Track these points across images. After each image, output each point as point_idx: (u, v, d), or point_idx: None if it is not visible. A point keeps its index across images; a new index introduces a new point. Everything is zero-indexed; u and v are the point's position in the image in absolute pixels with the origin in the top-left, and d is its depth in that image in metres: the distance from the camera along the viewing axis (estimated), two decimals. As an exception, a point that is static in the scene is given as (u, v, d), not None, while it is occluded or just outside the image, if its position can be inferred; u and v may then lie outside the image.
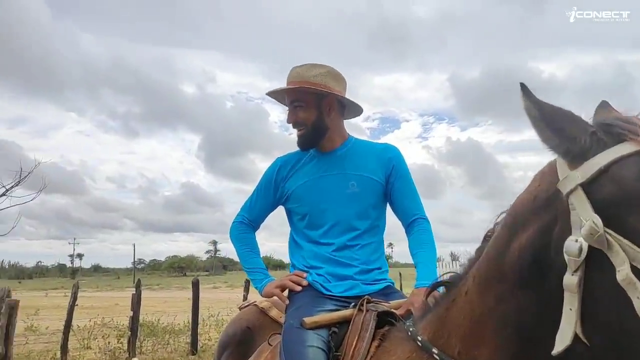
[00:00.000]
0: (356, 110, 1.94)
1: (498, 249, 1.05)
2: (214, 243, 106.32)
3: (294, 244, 1.92)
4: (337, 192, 1.79)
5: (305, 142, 1.83)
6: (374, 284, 1.77)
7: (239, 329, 1.97)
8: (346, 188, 1.79)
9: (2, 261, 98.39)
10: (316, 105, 1.79)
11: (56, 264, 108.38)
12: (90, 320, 10.31)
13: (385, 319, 1.50)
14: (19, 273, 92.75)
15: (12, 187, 5.70)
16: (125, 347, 7.74)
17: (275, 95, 1.90)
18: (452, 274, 1.29)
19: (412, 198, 1.85)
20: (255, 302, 2.09)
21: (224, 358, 1.96)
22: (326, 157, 1.85)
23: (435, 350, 1.16)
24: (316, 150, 1.87)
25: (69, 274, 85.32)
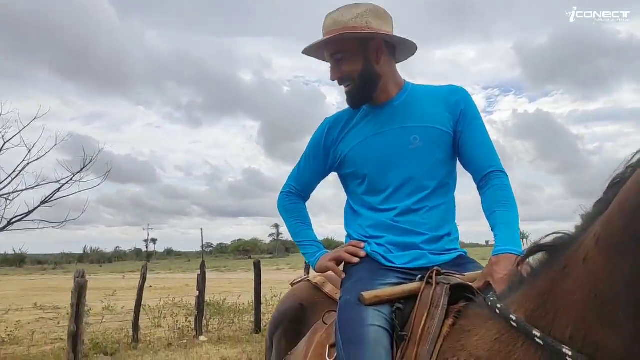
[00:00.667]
0: (409, 49, 1.63)
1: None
2: (276, 226, 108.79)
3: (350, 213, 1.68)
4: (398, 150, 1.53)
5: (356, 98, 1.58)
6: (444, 253, 1.50)
7: (291, 306, 1.81)
8: (408, 144, 1.52)
9: (85, 247, 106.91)
10: (361, 52, 1.52)
11: (133, 249, 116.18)
12: (160, 300, 10.79)
13: (459, 294, 1.24)
14: (100, 257, 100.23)
15: (77, 172, 5.91)
16: (193, 326, 7.94)
17: (315, 53, 1.62)
18: (557, 234, 0.98)
19: (485, 147, 1.53)
20: (307, 277, 1.90)
21: (277, 336, 1.82)
22: (381, 110, 1.58)
23: (536, 333, 0.88)
24: (369, 105, 1.60)
25: (145, 258, 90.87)
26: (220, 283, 18.39)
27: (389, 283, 1.41)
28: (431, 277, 1.31)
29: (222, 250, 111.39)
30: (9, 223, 5.94)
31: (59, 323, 10.21)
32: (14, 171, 5.89)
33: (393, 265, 1.47)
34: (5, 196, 5.93)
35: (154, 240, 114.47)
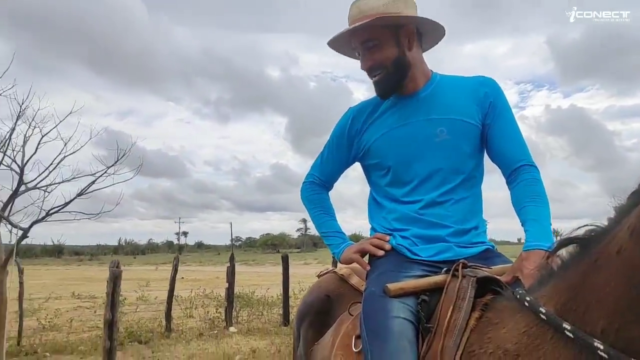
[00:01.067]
0: (436, 36, 1.60)
1: None
2: (304, 221, 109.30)
3: (374, 205, 1.67)
4: (423, 142, 1.50)
5: (387, 87, 1.53)
6: (471, 246, 1.48)
7: (318, 297, 1.82)
8: (434, 136, 1.49)
9: (120, 239, 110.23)
10: (394, 39, 1.49)
11: (165, 241, 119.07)
12: (192, 291, 11.06)
13: (486, 287, 1.23)
14: (134, 249, 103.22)
15: (112, 165, 6.11)
16: (223, 317, 8.11)
17: (340, 46, 1.60)
18: (588, 227, 0.96)
19: (515, 141, 1.50)
20: (334, 269, 1.91)
21: (304, 328, 1.84)
22: (408, 101, 1.55)
23: (567, 326, 0.87)
24: (395, 95, 1.57)
25: (176, 250, 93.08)
26: (249, 276, 18.67)
27: (414, 275, 1.41)
28: (457, 270, 1.30)
29: (250, 244, 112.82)
30: (47, 214, 6.18)
31: (95, 312, 10.60)
32: (51, 164, 6.14)
33: (418, 257, 1.46)
34: (43, 188, 6.18)
35: (185, 234, 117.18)
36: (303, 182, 1.83)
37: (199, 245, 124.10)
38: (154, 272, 26.37)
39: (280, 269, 8.85)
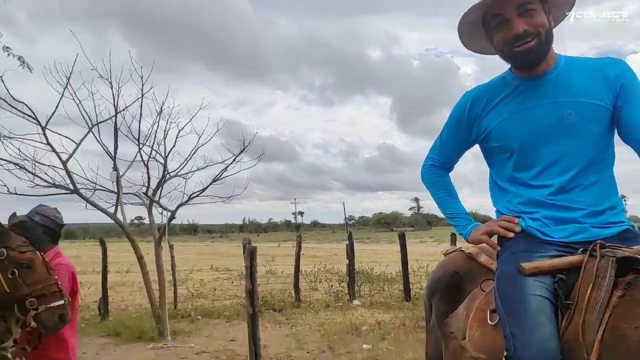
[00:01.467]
0: (558, 16, 1.55)
1: None
2: (416, 200, 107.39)
3: (496, 189, 1.67)
4: (551, 125, 1.48)
5: (537, 57, 1.46)
6: (608, 226, 1.45)
7: (446, 273, 1.89)
8: (563, 119, 1.46)
9: (244, 218, 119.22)
10: (544, 10, 1.46)
11: (283, 220, 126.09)
12: (314, 267, 11.72)
13: (627, 267, 1.22)
14: (257, 228, 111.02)
15: (239, 154, 6.86)
16: (346, 291, 8.51)
17: (469, 28, 1.57)
18: None
19: None
20: (461, 247, 1.97)
21: (435, 301, 1.92)
22: (533, 83, 1.51)
23: None
24: (518, 76, 1.55)
25: (294, 229, 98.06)
26: (366, 254, 19.07)
27: (548, 255, 1.41)
28: (594, 250, 1.30)
29: (364, 223, 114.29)
30: (190, 198, 7.11)
31: (232, 282, 11.81)
32: (190, 155, 7.05)
33: (550, 238, 1.46)
34: (183, 176, 7.10)
35: (301, 213, 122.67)
36: (423, 165, 1.85)
37: (315, 224, 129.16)
38: (277, 248, 28.18)
39: (395, 246, 8.98)
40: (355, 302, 8.03)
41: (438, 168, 1.81)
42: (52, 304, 2.18)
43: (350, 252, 8.73)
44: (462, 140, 1.72)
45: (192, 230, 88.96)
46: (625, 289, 1.19)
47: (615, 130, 1.50)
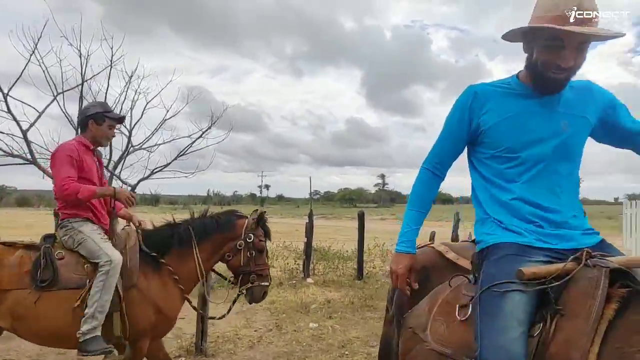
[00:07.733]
0: None
1: None
2: (382, 177, 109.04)
3: (482, 189, 1.73)
4: (547, 132, 1.61)
5: (562, 88, 1.61)
6: (587, 233, 1.60)
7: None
8: (558, 128, 1.62)
9: (208, 190, 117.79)
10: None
11: (248, 193, 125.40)
12: (273, 243, 11.73)
13: (615, 278, 1.30)
14: (221, 200, 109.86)
15: (207, 129, 6.82)
16: (301, 268, 8.64)
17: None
18: None
19: (636, 121, 1.72)
20: (430, 244, 2.05)
21: (398, 293, 1.96)
22: (535, 93, 1.64)
23: None
24: (523, 84, 1.66)
25: (259, 202, 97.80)
26: (327, 230, 19.32)
27: (537, 261, 1.47)
28: (586, 259, 1.38)
29: (329, 198, 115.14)
30: (152, 172, 6.98)
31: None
32: (156, 128, 6.92)
33: (542, 244, 1.54)
34: (147, 149, 6.96)
35: (267, 187, 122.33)
36: (421, 167, 1.85)
37: (280, 198, 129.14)
38: (239, 222, 27.97)
39: (356, 223, 9.11)
40: (309, 280, 8.17)
41: (432, 175, 1.82)
42: (262, 283, 3.11)
43: (309, 231, 8.82)
44: (463, 133, 1.73)
45: (153, 201, 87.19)
46: (619, 302, 1.24)
47: (606, 139, 1.76)
